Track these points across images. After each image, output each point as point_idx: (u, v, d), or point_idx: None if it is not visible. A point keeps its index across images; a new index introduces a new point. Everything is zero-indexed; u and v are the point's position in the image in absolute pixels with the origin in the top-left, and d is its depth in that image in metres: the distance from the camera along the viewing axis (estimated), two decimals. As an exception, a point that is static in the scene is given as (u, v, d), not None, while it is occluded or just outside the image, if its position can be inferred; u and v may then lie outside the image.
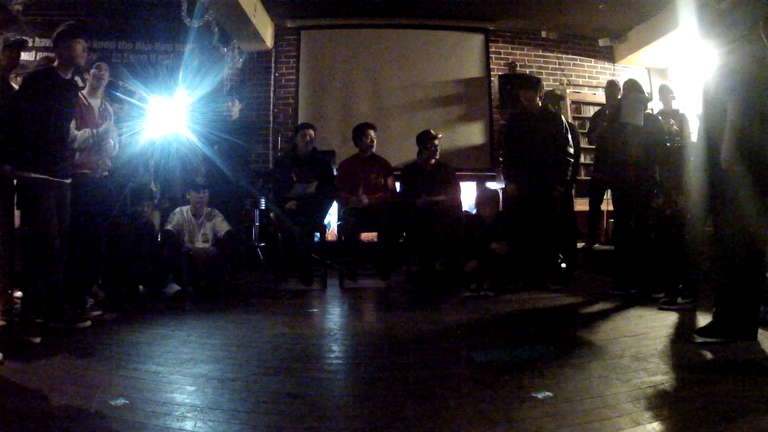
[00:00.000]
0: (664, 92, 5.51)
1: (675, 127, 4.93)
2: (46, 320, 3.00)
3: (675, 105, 5.46)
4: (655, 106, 5.75)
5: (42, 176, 2.88)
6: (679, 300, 3.32)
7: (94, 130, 3.41)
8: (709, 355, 2.44)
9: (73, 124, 3.40)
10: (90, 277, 3.63)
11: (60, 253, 3.02)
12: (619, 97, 4.41)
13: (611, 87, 5.16)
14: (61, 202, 3.03)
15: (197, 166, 4.81)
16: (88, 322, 3.05)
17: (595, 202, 5.26)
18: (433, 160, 4.75)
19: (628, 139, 3.88)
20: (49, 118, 2.93)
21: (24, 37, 3.50)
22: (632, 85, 4.19)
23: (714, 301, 2.64)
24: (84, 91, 3.55)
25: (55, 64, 3.04)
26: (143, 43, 6.23)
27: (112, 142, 3.55)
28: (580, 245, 5.36)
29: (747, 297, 2.51)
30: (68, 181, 3.12)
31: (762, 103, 2.42)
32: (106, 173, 3.60)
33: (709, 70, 2.70)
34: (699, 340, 2.58)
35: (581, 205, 5.36)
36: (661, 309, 3.33)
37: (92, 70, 3.58)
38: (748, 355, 2.41)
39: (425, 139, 4.76)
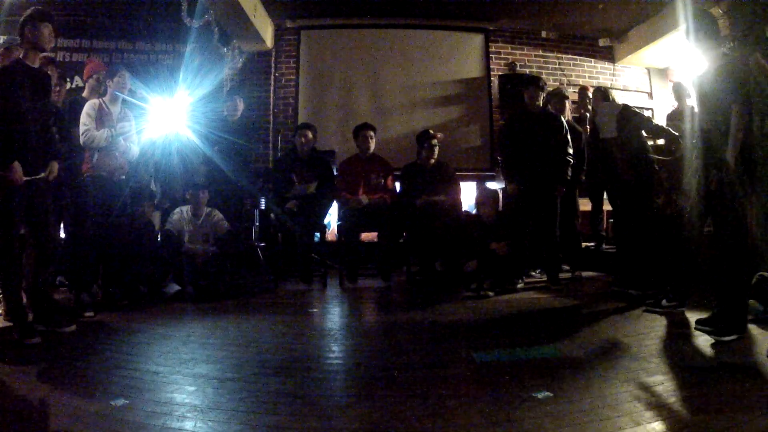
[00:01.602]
0: (678, 91, 5.39)
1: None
2: (32, 322, 2.98)
3: (689, 103, 5.38)
4: (669, 105, 5.71)
5: None
6: (664, 302, 3.30)
7: (113, 129, 3.51)
8: (708, 355, 2.44)
9: (92, 125, 3.45)
10: (90, 277, 3.64)
11: (45, 256, 2.96)
12: (590, 107, 4.46)
13: (582, 92, 5.27)
14: (32, 199, 2.86)
15: (197, 166, 4.81)
16: (73, 327, 2.96)
17: (596, 203, 5.26)
18: (432, 160, 4.75)
19: (613, 153, 3.90)
20: (14, 112, 2.77)
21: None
22: (598, 95, 4.25)
23: (715, 300, 2.65)
24: (105, 98, 3.63)
25: (21, 54, 2.90)
26: (143, 43, 6.23)
27: (130, 145, 3.67)
28: (584, 245, 5.35)
29: (741, 293, 2.52)
30: (41, 175, 2.91)
31: (762, 103, 2.42)
32: (123, 176, 3.67)
33: (705, 70, 2.70)
34: (696, 327, 2.61)
35: (583, 205, 5.35)
36: (646, 312, 3.31)
37: (116, 78, 3.63)
38: (748, 355, 2.41)
39: (423, 139, 4.77)
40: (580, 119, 5.32)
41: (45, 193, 2.97)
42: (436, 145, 4.73)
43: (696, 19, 2.67)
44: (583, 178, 4.87)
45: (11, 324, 2.81)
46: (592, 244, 5.37)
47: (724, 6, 2.59)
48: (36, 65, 2.94)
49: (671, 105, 5.57)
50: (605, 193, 4.71)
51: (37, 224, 2.92)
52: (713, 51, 2.61)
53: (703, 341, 2.64)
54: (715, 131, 2.61)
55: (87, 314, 3.28)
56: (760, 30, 2.43)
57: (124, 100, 3.75)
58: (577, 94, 5.61)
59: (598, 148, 4.17)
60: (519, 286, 4.28)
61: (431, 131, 4.87)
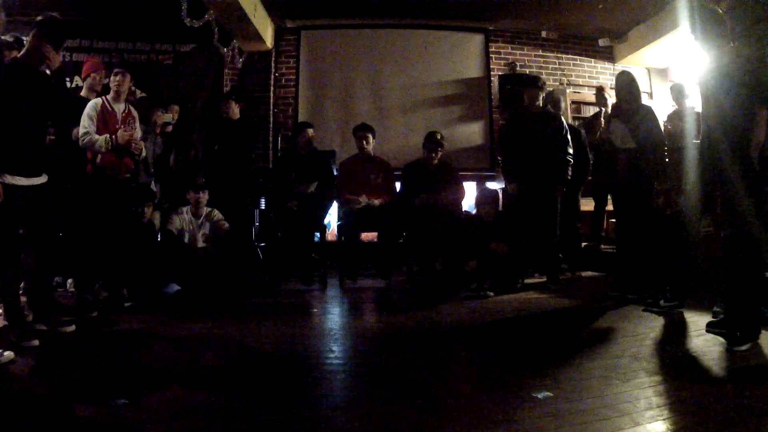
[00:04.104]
0: (677, 92, 5.36)
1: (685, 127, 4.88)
2: (33, 321, 2.97)
3: (689, 104, 5.37)
4: (669, 107, 5.71)
5: None
6: (662, 303, 3.31)
7: (113, 138, 3.48)
8: (709, 355, 2.44)
9: (92, 128, 3.44)
10: (93, 277, 3.64)
11: (45, 255, 2.94)
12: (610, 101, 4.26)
13: (599, 92, 5.24)
14: (30, 203, 2.82)
15: (198, 166, 4.81)
16: (73, 327, 2.96)
17: (600, 203, 5.26)
18: (435, 161, 4.75)
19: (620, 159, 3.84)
20: (17, 111, 2.70)
21: (17, 35, 3.37)
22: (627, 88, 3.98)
23: (724, 304, 2.65)
24: (108, 97, 3.62)
25: (20, 54, 2.83)
26: (143, 43, 6.23)
27: (136, 145, 3.64)
28: (584, 245, 5.35)
29: (749, 297, 2.51)
30: (40, 180, 2.88)
31: (761, 103, 2.41)
32: (128, 175, 3.67)
33: (707, 70, 2.70)
34: (708, 330, 2.61)
35: (586, 205, 5.36)
36: (645, 311, 3.32)
37: (112, 77, 3.63)
38: (748, 356, 2.41)
39: (426, 140, 4.78)
40: (594, 118, 5.32)
41: (45, 195, 2.94)
42: (437, 147, 4.72)
43: (700, 16, 2.66)
44: (590, 177, 4.87)
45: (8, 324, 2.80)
46: (592, 244, 5.37)
47: (723, 6, 2.57)
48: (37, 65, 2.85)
49: (671, 106, 5.56)
50: (609, 194, 4.71)
51: (36, 226, 2.90)
52: (718, 49, 2.59)
53: (703, 341, 2.64)
54: (716, 131, 2.60)
55: (91, 314, 3.28)
56: (762, 28, 2.41)
57: (127, 99, 3.75)
58: (594, 95, 5.61)
59: (602, 148, 4.10)
60: (519, 286, 4.28)
61: (438, 134, 4.88)
